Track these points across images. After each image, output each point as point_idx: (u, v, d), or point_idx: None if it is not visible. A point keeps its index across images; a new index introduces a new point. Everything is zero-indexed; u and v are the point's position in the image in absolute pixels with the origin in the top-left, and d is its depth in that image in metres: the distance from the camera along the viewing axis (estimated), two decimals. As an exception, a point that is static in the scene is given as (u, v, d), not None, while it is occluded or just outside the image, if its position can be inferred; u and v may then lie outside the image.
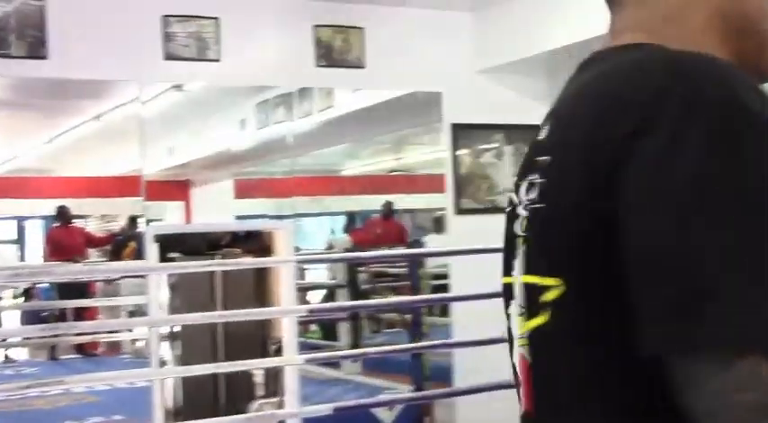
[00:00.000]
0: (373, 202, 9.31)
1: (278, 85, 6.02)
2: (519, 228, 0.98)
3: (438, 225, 7.22)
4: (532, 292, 0.94)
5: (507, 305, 1.03)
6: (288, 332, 4.49)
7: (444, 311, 6.29)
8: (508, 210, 1.02)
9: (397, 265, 6.99)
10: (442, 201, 6.08)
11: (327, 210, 9.16)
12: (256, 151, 8.33)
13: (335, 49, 5.57)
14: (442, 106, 5.93)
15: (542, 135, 1.02)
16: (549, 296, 0.89)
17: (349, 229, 8.75)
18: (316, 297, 7.71)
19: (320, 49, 5.52)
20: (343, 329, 6.33)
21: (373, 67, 5.68)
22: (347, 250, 6.63)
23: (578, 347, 0.88)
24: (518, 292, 0.98)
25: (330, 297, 7.00)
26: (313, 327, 7.28)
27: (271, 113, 7.60)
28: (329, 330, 6.81)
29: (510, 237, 1.01)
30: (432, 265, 6.89)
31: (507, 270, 1.02)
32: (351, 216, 8.91)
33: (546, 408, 0.95)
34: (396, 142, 9.13)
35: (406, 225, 8.02)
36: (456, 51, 5.95)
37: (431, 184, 6.71)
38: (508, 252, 1.02)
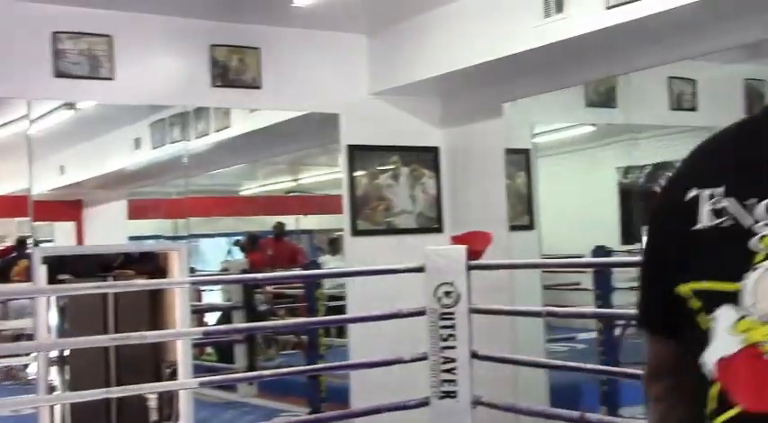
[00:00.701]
0: (271, 223, 9.27)
1: (173, 104, 5.95)
2: (764, 243, 1.06)
3: (333, 246, 7.23)
4: None
5: (713, 308, 1.10)
6: (182, 355, 4.42)
7: (341, 332, 6.29)
8: (728, 224, 1.10)
9: (294, 286, 6.97)
10: (340, 222, 6.10)
11: (224, 230, 9.07)
12: (151, 171, 8.19)
13: (231, 69, 5.54)
14: (339, 128, 5.96)
15: None
16: None
17: (246, 250, 8.68)
18: (213, 319, 7.61)
19: (216, 69, 5.48)
20: (239, 352, 6.27)
21: (270, 88, 5.68)
22: (243, 272, 6.57)
23: None
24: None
25: (226, 319, 6.92)
26: (209, 349, 7.18)
27: (166, 133, 7.50)
28: (225, 353, 6.73)
29: (736, 247, 1.08)
30: (329, 285, 6.89)
31: (719, 276, 1.09)
32: (250, 237, 8.84)
33: None
34: (293, 163, 9.12)
35: (300, 246, 8.00)
36: (352, 73, 5.99)
37: (328, 205, 6.73)
38: (725, 259, 1.10)
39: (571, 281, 7.18)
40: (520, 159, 6.15)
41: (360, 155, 6.01)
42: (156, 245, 5.68)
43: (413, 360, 4.85)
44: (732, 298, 1.07)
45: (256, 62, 5.60)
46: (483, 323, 4.90)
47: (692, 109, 7.16)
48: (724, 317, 1.09)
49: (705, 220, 1.12)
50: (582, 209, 8.13)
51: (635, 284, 5.43)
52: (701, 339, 1.11)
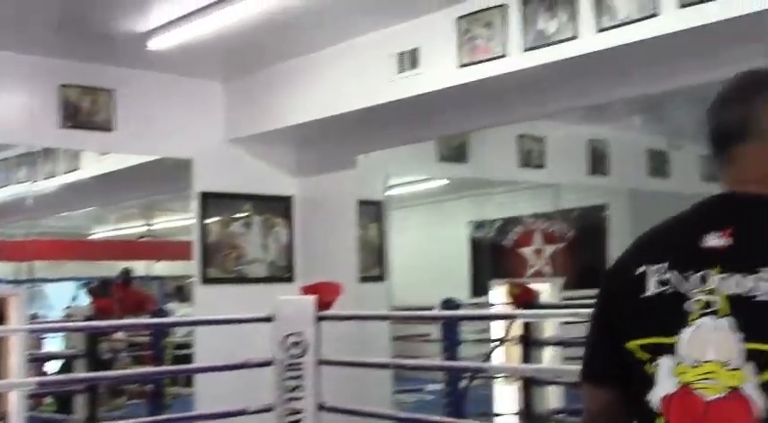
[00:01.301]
0: (120, 268, 9.03)
1: (18, 143, 5.75)
2: (696, 305, 1.37)
3: (182, 294, 7.10)
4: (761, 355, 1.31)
5: (657, 357, 1.40)
6: (15, 406, 4.22)
7: (189, 381, 6.15)
8: (670, 292, 1.41)
9: (142, 333, 6.79)
10: (191, 269, 5.99)
11: (72, 275, 8.78)
12: (-5, 211, 7.87)
13: (83, 110, 5.40)
14: (192, 174, 5.88)
15: (722, 242, 1.40)
16: None
17: (95, 295, 8.41)
18: (55, 367, 7.31)
19: (66, 110, 5.33)
20: (80, 402, 6.02)
21: (122, 131, 5.55)
22: (88, 318, 6.34)
23: None
24: (726, 352, 1.33)
25: (69, 367, 6.66)
26: (48, 399, 6.89)
27: (12, 172, 7.24)
28: (65, 403, 6.46)
29: (674, 311, 1.39)
30: (180, 334, 6.74)
31: (661, 332, 1.40)
32: (103, 282, 8.58)
33: None
34: (145, 208, 8.95)
35: (149, 293, 7.82)
36: (208, 119, 5.95)
37: (180, 251, 6.62)
38: (665, 320, 1.40)
39: (421, 332, 7.27)
40: (373, 211, 6.22)
41: (213, 202, 5.94)
42: (-8, 289, 5.43)
43: (258, 411, 4.79)
44: (671, 349, 1.38)
45: (109, 104, 5.48)
46: (332, 374, 4.89)
47: (540, 166, 7.45)
48: (665, 364, 1.39)
49: (652, 288, 1.43)
50: (433, 261, 8.27)
51: (481, 337, 5.53)
52: (647, 383, 1.41)
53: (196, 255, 5.91)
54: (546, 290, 5.94)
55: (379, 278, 6.18)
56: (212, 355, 5.51)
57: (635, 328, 1.44)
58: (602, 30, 3.94)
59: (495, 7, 4.37)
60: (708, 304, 1.37)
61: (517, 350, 5.48)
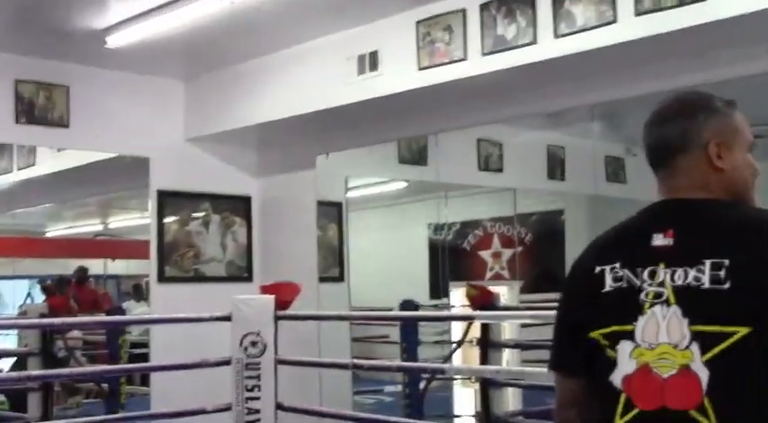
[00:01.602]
0: (76, 267, 8.93)
1: (-27, 138, 5.67)
2: (648, 297, 1.62)
3: (138, 292, 7.05)
4: (709, 336, 1.54)
5: (617, 343, 1.65)
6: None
7: (145, 380, 6.11)
8: (625, 286, 1.66)
9: (98, 332, 6.73)
10: (148, 267, 5.95)
11: (26, 272, 8.66)
12: (-53, 207, 7.76)
13: (38, 106, 5.34)
14: (150, 172, 5.84)
15: (666, 242, 1.66)
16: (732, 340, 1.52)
17: (50, 293, 8.31)
18: (6, 365, 7.21)
19: (21, 105, 5.27)
20: (34, 400, 5.94)
21: (78, 127, 5.51)
22: (42, 316, 6.27)
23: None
24: (676, 335, 1.57)
25: (21, 366, 6.58)
26: (1, 397, 6.79)
27: (-34, 168, 7.13)
28: (18, 401, 6.37)
29: (629, 302, 1.64)
30: (136, 332, 6.69)
31: (614, 320, 1.65)
32: (60, 279, 8.48)
33: (723, 406, 1.52)
34: (102, 206, 8.88)
35: (104, 291, 7.75)
36: (167, 118, 5.91)
37: (137, 250, 6.57)
38: (622, 311, 1.65)
39: (380, 333, 7.28)
40: (332, 212, 6.22)
41: (170, 200, 5.91)
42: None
43: (216, 410, 4.78)
44: (629, 335, 1.63)
45: (65, 100, 5.43)
46: (291, 374, 4.89)
47: (499, 170, 7.49)
48: (624, 348, 1.64)
49: (609, 284, 1.68)
50: (392, 263, 8.28)
51: (440, 339, 5.54)
52: (610, 366, 1.65)
53: (153, 253, 5.87)
54: (504, 293, 5.98)
55: (339, 279, 6.19)
56: (169, 354, 5.48)
57: (597, 319, 1.69)
58: (561, 36, 3.98)
59: (454, 12, 4.40)
60: (658, 295, 1.62)
61: (476, 352, 5.51)
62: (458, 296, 6.01)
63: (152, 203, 5.88)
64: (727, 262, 1.56)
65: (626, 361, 1.64)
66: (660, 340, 1.60)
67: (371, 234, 7.52)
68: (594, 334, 1.69)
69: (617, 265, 1.69)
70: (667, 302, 1.60)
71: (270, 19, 4.72)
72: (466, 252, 9.45)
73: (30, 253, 8.86)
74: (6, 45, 5.12)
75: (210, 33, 4.91)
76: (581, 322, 1.73)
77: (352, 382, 6.02)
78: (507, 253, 9.60)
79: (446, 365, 5.17)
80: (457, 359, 5.59)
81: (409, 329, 5.70)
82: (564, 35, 3.96)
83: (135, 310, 7.23)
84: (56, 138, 5.54)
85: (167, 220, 5.90)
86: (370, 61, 4.81)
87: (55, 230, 10.19)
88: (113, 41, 4.90)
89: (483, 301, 5.36)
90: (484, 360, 5.44)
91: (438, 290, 7.36)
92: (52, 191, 7.59)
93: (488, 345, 5.49)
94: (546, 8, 4.03)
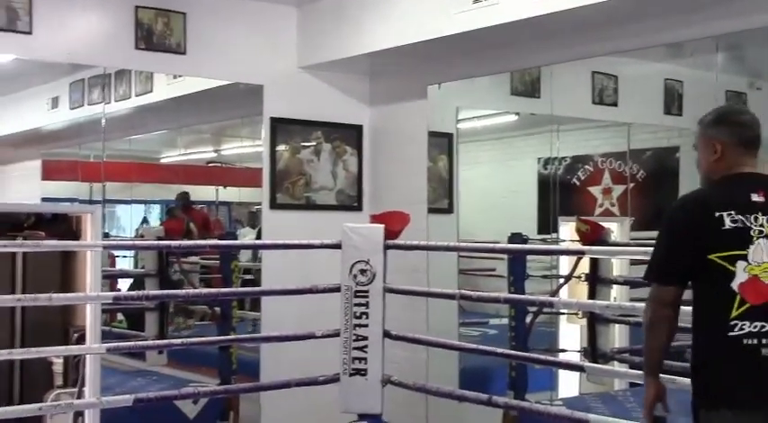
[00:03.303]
0: (190, 192, 9.11)
1: (94, 64, 5.80)
2: (755, 233, 2.61)
3: (249, 220, 7.16)
4: None
5: (735, 262, 2.59)
6: (91, 320, 4.34)
7: (255, 306, 6.25)
8: (741, 226, 2.61)
9: (210, 257, 6.89)
10: (260, 195, 6.05)
11: (142, 197, 8.90)
12: (68, 132, 7.99)
13: (156, 33, 5.44)
14: (263, 99, 5.90)
15: (761, 199, 2.66)
16: None
17: (164, 218, 8.53)
18: (125, 286, 7.47)
19: (141, 31, 5.37)
20: (151, 320, 6.16)
21: (195, 55, 5.59)
22: (159, 240, 6.47)
23: None
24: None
25: (139, 287, 6.81)
26: (120, 317, 7.06)
27: (85, 94, 7.31)
28: (136, 320, 6.62)
29: (739, 235, 2.60)
30: (245, 259, 6.82)
31: (730, 248, 2.60)
32: (182, 203, 8.68)
33: None
34: (215, 133, 9.00)
35: (216, 217, 7.86)
36: (280, 45, 5.94)
37: (249, 177, 6.66)
38: (733, 240, 2.60)
39: (487, 266, 7.26)
40: (443, 143, 6.18)
41: (282, 128, 5.96)
42: (70, 207, 5.56)
43: (325, 336, 4.86)
44: (743, 257, 2.60)
45: (182, 27, 5.51)
46: (398, 304, 4.93)
47: (614, 104, 7.29)
48: (741, 266, 2.59)
49: (728, 224, 2.61)
50: (501, 197, 8.21)
51: (548, 273, 5.47)
52: (728, 277, 2.60)
53: (265, 181, 5.96)
54: (614, 229, 5.87)
55: (448, 210, 6.17)
56: (278, 280, 5.59)
57: (719, 246, 2.61)
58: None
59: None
60: (761, 232, 2.61)
61: (583, 289, 5.45)
62: (567, 231, 5.92)
63: (265, 131, 5.94)
64: None
65: (741, 273, 2.57)
66: (765, 260, 2.59)
67: (480, 167, 7.45)
68: (713, 256, 2.60)
69: (732, 212, 2.61)
70: (767, 236, 2.61)
71: (386, -56, 4.66)
72: (575, 187, 9.29)
73: (145, 178, 9.07)
74: (127, -29, 5.20)
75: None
76: (702, 248, 2.62)
77: (458, 315, 6.04)
78: (618, 189, 9.40)
79: (555, 299, 5.13)
80: (563, 295, 5.54)
81: (517, 263, 5.65)
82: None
83: (246, 236, 7.36)
84: (173, 64, 5.63)
85: (279, 147, 5.97)
86: (488, -12, 4.71)
87: (169, 157, 10.40)
88: (231, -33, 4.92)
89: (593, 236, 5.29)
90: (592, 296, 5.38)
91: (546, 225, 7.27)
92: (167, 117, 7.73)
93: (597, 280, 5.42)
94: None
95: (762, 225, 2.57)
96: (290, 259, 5.48)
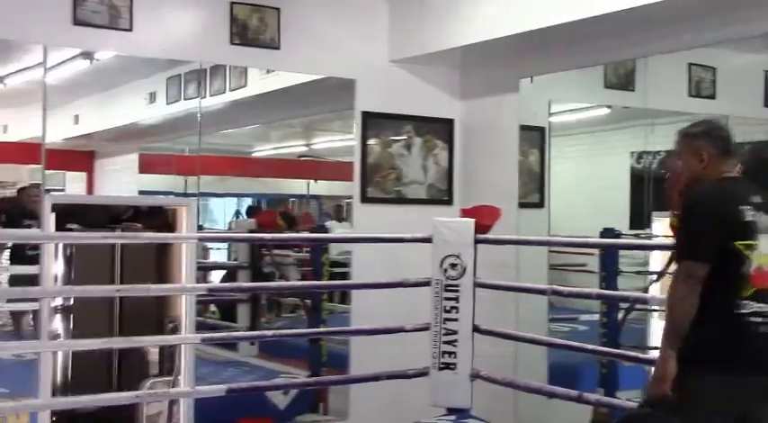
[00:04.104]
0: (282, 186, 9.23)
1: (191, 59, 5.91)
2: (758, 225, 3.06)
3: (339, 213, 7.21)
4: None
5: (751, 250, 3.01)
6: (186, 311, 4.44)
7: (344, 299, 6.30)
8: (754, 220, 3.05)
9: (300, 250, 6.97)
10: (350, 189, 6.08)
11: (234, 190, 9.04)
12: (165, 126, 8.16)
13: (251, 28, 5.52)
14: (355, 94, 5.93)
15: (758, 200, 3.11)
16: None
17: (255, 211, 8.65)
18: (218, 278, 7.61)
19: (236, 27, 5.46)
20: (243, 312, 6.28)
21: (288, 49, 5.65)
22: (251, 232, 6.57)
23: None
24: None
25: (231, 279, 6.94)
26: (213, 307, 7.20)
27: (181, 89, 7.46)
28: (228, 312, 6.75)
29: (751, 228, 3.03)
30: (336, 251, 6.87)
31: (747, 238, 3.01)
32: (268, 198, 8.81)
33: None
34: (306, 127, 9.08)
35: (307, 211, 7.95)
36: (372, 39, 5.96)
37: (339, 171, 6.70)
38: (748, 233, 3.02)
39: (577, 262, 7.16)
40: (534, 137, 6.12)
41: (374, 122, 5.98)
42: (166, 199, 5.69)
43: (414, 330, 4.87)
44: (755, 247, 3.02)
45: (276, 22, 5.58)
46: (487, 298, 4.91)
47: (711, 97, 7.11)
48: (754, 254, 3.01)
49: (748, 217, 3.02)
50: (593, 191, 8.08)
51: (640, 269, 5.38)
52: (744, 262, 2.99)
53: (356, 174, 5.99)
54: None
55: (539, 205, 6.11)
56: (368, 274, 5.61)
57: (743, 236, 2.99)
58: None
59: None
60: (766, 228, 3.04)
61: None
62: (660, 227, 5.80)
63: (356, 125, 5.97)
64: None
65: (754, 260, 2.99)
66: (764, 252, 3.02)
67: (572, 161, 7.35)
68: (738, 244, 2.98)
69: (747, 207, 3.02)
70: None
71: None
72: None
73: (238, 172, 9.20)
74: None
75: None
76: (730, 236, 2.98)
77: (547, 310, 5.98)
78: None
79: (647, 295, 5.04)
80: (655, 291, 5.43)
81: (609, 258, 5.57)
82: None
83: (336, 230, 7.42)
84: (267, 59, 5.70)
85: (370, 141, 5.99)
86: (582, -20, 4.64)
87: (261, 151, 10.53)
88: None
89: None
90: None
91: (640, 220, 7.14)
92: (259, 112, 7.83)
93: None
94: None
95: (763, 222, 3.04)
96: (381, 253, 5.50)
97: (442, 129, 6.19)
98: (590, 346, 4.76)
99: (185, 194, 6.37)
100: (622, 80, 6.72)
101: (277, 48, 5.59)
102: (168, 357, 4.50)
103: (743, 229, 2.99)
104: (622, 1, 4.48)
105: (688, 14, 4.54)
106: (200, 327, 5.14)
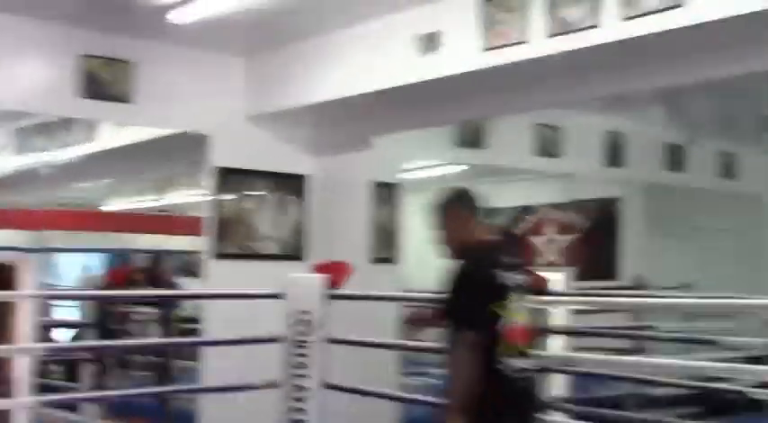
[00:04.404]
0: (135, 241, 9.03)
1: (37, 111, 5.75)
2: (511, 288, 3.17)
3: (192, 268, 7.08)
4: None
5: (503, 311, 3.12)
6: (22, 372, 4.24)
7: (195, 356, 6.17)
8: (503, 283, 3.16)
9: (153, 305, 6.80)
10: (202, 244, 5.99)
11: (86, 245, 8.80)
12: (10, 179, 7.90)
13: (102, 81, 5.39)
14: (209, 149, 5.88)
15: (509, 261, 3.27)
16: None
17: (107, 267, 8.43)
18: (66, 336, 7.33)
19: (85, 80, 5.32)
20: (87, 371, 6.04)
21: (141, 103, 5.55)
22: (98, 289, 6.37)
23: None
24: (517, 307, 3.18)
25: (80, 339, 6.70)
26: (55, 367, 6.92)
27: (29, 141, 7.25)
28: (73, 372, 6.49)
29: (504, 289, 3.15)
30: (187, 308, 6.75)
31: (503, 298, 3.13)
32: (120, 254, 8.59)
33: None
34: (161, 182, 8.95)
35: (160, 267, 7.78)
36: (228, 95, 5.93)
37: (192, 226, 6.61)
38: (502, 293, 3.14)
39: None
40: (388, 193, 6.21)
41: (228, 177, 5.93)
42: (3, 255, 5.44)
43: (264, 387, 4.80)
44: (508, 306, 3.16)
45: (128, 76, 5.48)
46: (340, 353, 4.89)
47: (556, 155, 7.42)
48: (507, 311, 3.13)
49: (501, 281, 3.16)
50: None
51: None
52: (499, 322, 3.11)
53: (209, 230, 5.91)
54: (557, 279, 5.90)
55: (391, 260, 6.18)
56: (219, 330, 5.52)
57: (499, 297, 3.11)
58: (627, 19, 3.91)
59: (518, -8, 4.33)
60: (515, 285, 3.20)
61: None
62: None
63: (210, 180, 5.91)
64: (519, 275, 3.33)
65: (508, 318, 3.13)
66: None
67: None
68: (493, 306, 3.10)
69: (500, 270, 3.18)
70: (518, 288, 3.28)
71: (331, -3, 4.70)
72: (519, 238, 9.42)
73: (87, 227, 8.97)
74: (71, 19, 5.17)
75: (272, 11, 4.92)
76: (490, 300, 3.11)
77: (400, 364, 6.02)
78: (561, 239, 9.52)
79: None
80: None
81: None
82: (629, 18, 3.89)
83: (188, 286, 7.29)
84: (118, 113, 5.59)
85: (224, 197, 5.93)
86: (432, 41, 4.76)
87: (113, 205, 10.29)
88: (176, 17, 4.93)
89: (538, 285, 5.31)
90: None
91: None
92: (111, 166, 7.68)
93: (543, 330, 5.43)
94: (611, -10, 3.96)
95: (514, 280, 3.19)
96: (232, 309, 5.42)
97: (295, 184, 6.19)
98: (439, 400, 4.79)
99: (29, 250, 6.13)
100: (474, 138, 6.94)
101: (129, 101, 5.49)
102: (4, 421, 4.28)
103: (499, 291, 3.12)
104: (468, 63, 4.61)
105: (538, 76, 4.71)
106: (43, 388, 4.92)
